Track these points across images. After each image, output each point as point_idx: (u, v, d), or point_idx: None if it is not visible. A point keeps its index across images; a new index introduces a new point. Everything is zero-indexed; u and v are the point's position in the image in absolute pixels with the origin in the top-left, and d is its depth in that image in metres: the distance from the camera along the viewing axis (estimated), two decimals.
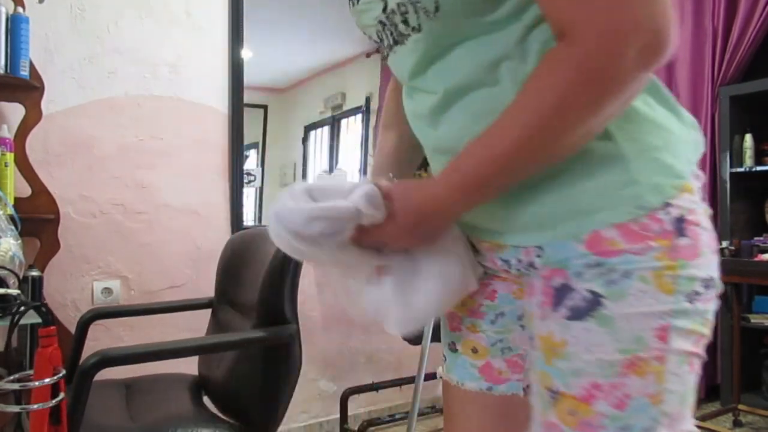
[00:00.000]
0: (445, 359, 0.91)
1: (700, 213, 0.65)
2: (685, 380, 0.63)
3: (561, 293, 0.65)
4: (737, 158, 2.89)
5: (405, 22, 0.68)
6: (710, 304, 0.65)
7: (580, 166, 0.64)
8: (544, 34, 0.62)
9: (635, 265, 0.62)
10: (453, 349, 0.88)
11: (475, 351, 0.83)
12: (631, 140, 0.64)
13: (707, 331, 0.65)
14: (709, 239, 0.65)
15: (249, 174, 2.48)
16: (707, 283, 0.64)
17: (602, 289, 0.62)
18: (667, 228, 0.62)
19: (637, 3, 0.55)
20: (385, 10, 0.69)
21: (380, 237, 0.70)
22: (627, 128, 0.64)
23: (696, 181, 0.66)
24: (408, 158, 0.93)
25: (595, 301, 0.63)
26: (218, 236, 2.33)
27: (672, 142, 0.66)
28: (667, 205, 0.63)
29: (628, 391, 0.61)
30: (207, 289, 1.99)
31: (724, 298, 2.82)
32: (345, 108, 2.84)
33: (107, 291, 2.12)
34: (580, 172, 0.64)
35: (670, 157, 0.64)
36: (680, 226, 0.63)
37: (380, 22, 0.71)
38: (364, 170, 2.90)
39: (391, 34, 0.72)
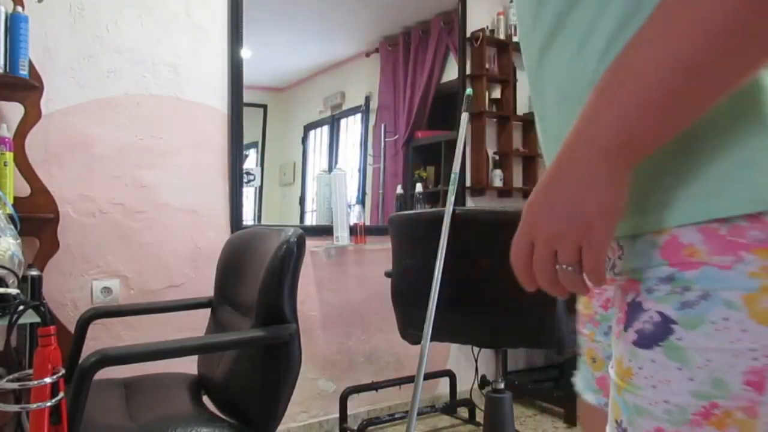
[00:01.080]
0: None
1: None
2: None
3: (632, 311, 0.52)
4: None
5: None
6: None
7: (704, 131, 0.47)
8: None
9: (720, 284, 0.47)
10: (578, 353, 0.74)
11: (594, 360, 0.71)
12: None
13: None
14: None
15: (248, 173, 2.48)
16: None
17: (675, 313, 0.48)
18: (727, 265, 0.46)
19: None
20: None
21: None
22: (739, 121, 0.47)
23: None
24: None
25: (665, 328, 0.49)
26: (218, 236, 2.33)
27: None
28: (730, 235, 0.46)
29: None
30: (206, 288, 1.99)
31: None
32: (344, 107, 2.84)
33: (106, 290, 2.12)
34: (694, 141, 0.48)
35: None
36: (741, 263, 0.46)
37: None
38: (363, 170, 2.90)
39: None
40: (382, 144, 2.94)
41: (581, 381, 0.73)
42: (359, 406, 2.71)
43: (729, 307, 0.46)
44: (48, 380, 0.95)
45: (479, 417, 2.73)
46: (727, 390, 0.46)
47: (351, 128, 2.89)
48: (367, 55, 2.89)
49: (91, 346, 1.49)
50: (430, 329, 1.79)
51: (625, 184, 0.47)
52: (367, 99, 2.92)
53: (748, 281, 0.45)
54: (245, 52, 2.42)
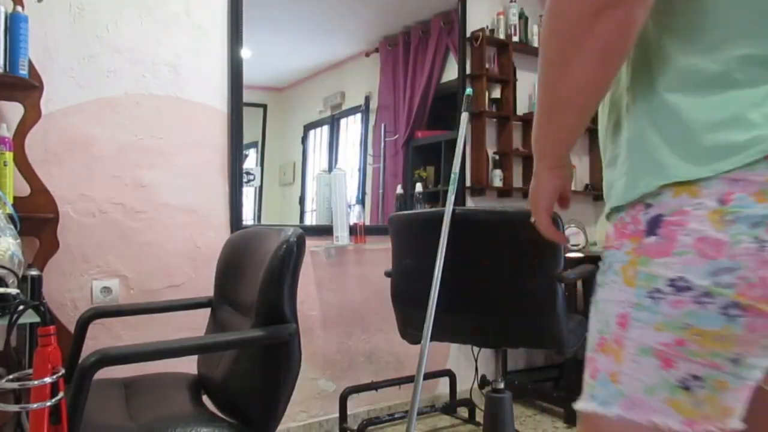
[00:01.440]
0: None
1: (694, 216, 0.61)
2: (648, 372, 0.65)
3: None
4: None
5: None
6: (683, 309, 0.62)
7: (612, 154, 0.76)
8: None
9: (614, 258, 0.70)
10: None
11: None
12: (634, 130, 0.69)
13: (689, 336, 0.62)
14: (694, 242, 0.61)
15: (248, 173, 2.48)
16: (675, 283, 0.62)
17: (599, 279, 0.73)
18: (641, 227, 0.66)
19: None
20: None
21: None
22: (634, 114, 0.70)
23: (721, 178, 0.61)
24: None
25: (595, 288, 0.74)
26: (217, 235, 2.33)
27: (684, 137, 0.63)
28: (648, 205, 0.66)
29: (598, 365, 0.70)
30: (206, 288, 1.99)
31: None
32: (344, 107, 2.84)
33: (106, 290, 2.12)
34: (610, 161, 0.76)
35: (667, 154, 0.64)
36: (654, 225, 0.65)
37: None
38: (363, 170, 2.90)
39: None
40: (382, 144, 2.94)
41: None
42: (359, 406, 2.71)
43: (615, 274, 0.69)
44: (48, 380, 0.95)
45: (479, 417, 2.73)
46: (609, 327, 0.69)
47: (351, 128, 2.89)
48: (367, 54, 2.89)
49: (90, 345, 1.49)
50: (430, 329, 1.79)
51: (543, 172, 0.85)
52: (367, 99, 2.92)
53: (624, 257, 0.68)
54: (245, 52, 2.42)
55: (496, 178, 3.16)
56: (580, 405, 0.72)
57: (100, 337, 2.07)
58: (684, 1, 0.66)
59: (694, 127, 0.63)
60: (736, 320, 0.61)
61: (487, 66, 3.12)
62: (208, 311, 1.81)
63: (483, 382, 3.08)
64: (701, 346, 0.62)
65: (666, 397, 0.65)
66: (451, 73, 3.11)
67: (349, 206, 2.66)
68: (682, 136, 0.64)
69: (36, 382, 0.94)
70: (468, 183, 3.13)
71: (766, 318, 0.60)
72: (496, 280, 1.73)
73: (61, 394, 0.97)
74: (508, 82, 3.20)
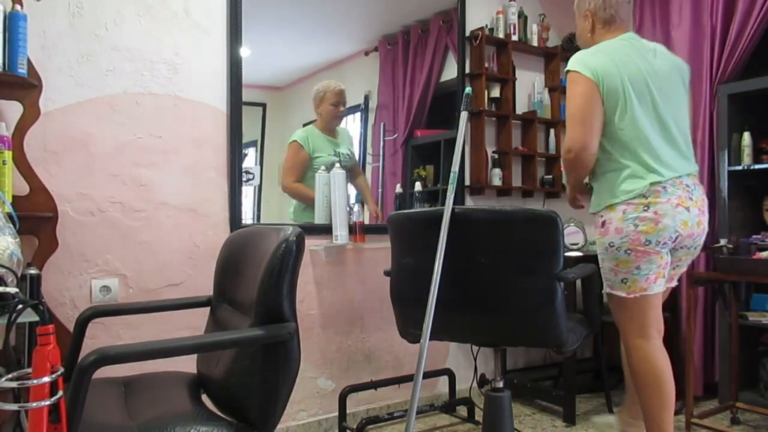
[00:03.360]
0: None
1: (614, 219, 1.98)
2: (610, 276, 2.02)
3: None
4: (735, 156, 2.89)
5: None
6: (613, 254, 1.98)
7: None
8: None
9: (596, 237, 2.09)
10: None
11: None
12: (598, 183, 2.10)
13: (617, 263, 1.98)
14: (613, 230, 1.97)
15: (248, 172, 2.48)
16: (610, 243, 1.98)
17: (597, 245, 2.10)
18: (598, 223, 2.04)
19: (569, 135, 1.99)
20: None
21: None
22: (599, 178, 2.09)
23: (623, 203, 1.98)
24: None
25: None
26: (217, 234, 2.33)
27: (612, 184, 2.02)
28: (599, 214, 2.05)
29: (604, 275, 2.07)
30: (205, 287, 1.99)
31: (722, 295, 2.83)
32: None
33: (105, 289, 2.12)
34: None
35: (607, 191, 2.04)
36: (602, 222, 2.03)
37: None
38: (362, 168, 2.90)
39: None
40: (381, 143, 2.94)
41: None
42: (358, 405, 2.71)
43: (599, 245, 2.05)
44: (47, 379, 0.95)
45: (478, 416, 2.73)
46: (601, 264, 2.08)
47: (350, 127, 2.89)
48: (366, 54, 2.89)
49: (90, 344, 1.49)
50: (429, 328, 1.79)
51: (573, 191, 2.28)
52: (366, 98, 2.92)
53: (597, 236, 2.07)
54: (244, 51, 2.42)
55: (496, 177, 3.16)
56: (605, 291, 2.07)
57: (99, 336, 2.07)
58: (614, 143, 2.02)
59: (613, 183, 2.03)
60: (629, 254, 1.94)
61: (486, 65, 3.12)
62: (207, 310, 1.81)
63: (482, 381, 3.08)
64: (623, 265, 1.96)
65: (618, 284, 2.00)
66: (450, 72, 3.12)
67: (349, 205, 2.66)
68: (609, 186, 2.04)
69: (35, 381, 0.94)
70: (467, 182, 3.13)
71: (639, 253, 1.92)
72: (496, 279, 1.73)
73: (60, 393, 0.97)
74: (507, 81, 3.20)
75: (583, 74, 1.96)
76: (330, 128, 2.80)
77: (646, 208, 1.91)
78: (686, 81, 2.13)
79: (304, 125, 2.75)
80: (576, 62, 2.00)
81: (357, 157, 2.90)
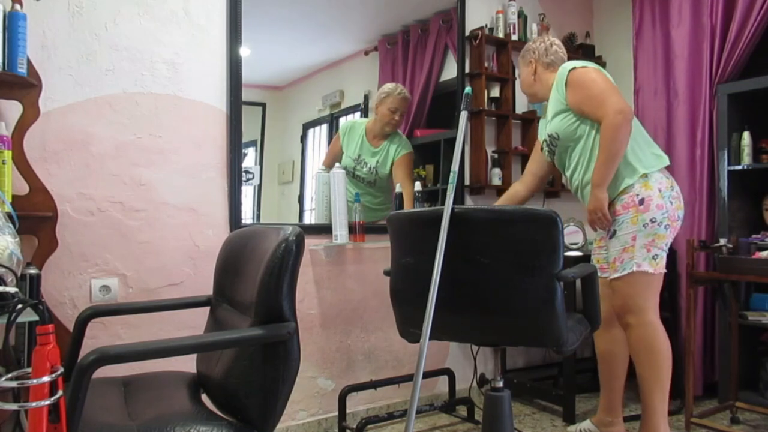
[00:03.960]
0: None
1: (653, 196, 2.16)
2: (642, 253, 2.17)
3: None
4: (735, 156, 2.89)
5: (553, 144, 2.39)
6: (651, 229, 2.16)
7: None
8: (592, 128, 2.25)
9: (618, 218, 2.22)
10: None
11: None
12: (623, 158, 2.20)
13: (653, 238, 2.17)
14: (655, 207, 2.16)
15: (247, 172, 2.48)
16: (652, 218, 2.16)
17: (615, 228, 2.23)
18: (634, 201, 2.19)
19: (613, 101, 2.11)
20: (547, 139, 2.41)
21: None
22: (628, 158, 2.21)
23: (656, 180, 2.20)
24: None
25: (613, 231, 2.24)
26: (216, 234, 2.34)
27: (641, 155, 2.23)
28: (631, 194, 2.20)
29: (624, 256, 2.20)
30: (205, 286, 1.99)
31: (721, 295, 2.83)
32: (343, 106, 2.84)
33: (105, 289, 2.12)
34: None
35: (637, 163, 2.21)
36: (640, 200, 2.18)
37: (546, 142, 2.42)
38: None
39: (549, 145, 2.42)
40: None
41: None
42: (358, 405, 2.71)
43: (619, 224, 2.21)
44: (46, 379, 0.95)
45: (478, 415, 2.73)
46: (626, 242, 2.20)
47: None
48: (366, 53, 2.89)
49: (89, 344, 1.49)
50: (429, 327, 1.79)
51: (603, 192, 2.18)
52: (366, 97, 2.92)
53: (623, 215, 2.21)
54: (244, 51, 2.42)
55: (495, 177, 3.16)
56: (622, 273, 2.19)
57: (98, 336, 2.07)
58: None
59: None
60: (668, 229, 2.17)
61: (486, 65, 3.12)
62: (207, 310, 1.81)
63: (482, 381, 3.08)
64: (659, 240, 2.17)
65: (649, 260, 2.17)
66: (450, 71, 3.12)
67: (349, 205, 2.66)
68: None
69: (35, 381, 0.94)
70: (467, 182, 3.13)
71: (673, 229, 2.19)
72: (495, 279, 1.73)
73: (59, 393, 0.97)
74: (507, 81, 3.21)
75: (592, 66, 2.25)
76: (378, 132, 2.81)
77: (672, 188, 2.20)
78: None
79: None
80: (577, 63, 2.28)
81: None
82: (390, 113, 2.79)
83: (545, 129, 2.40)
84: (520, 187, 2.59)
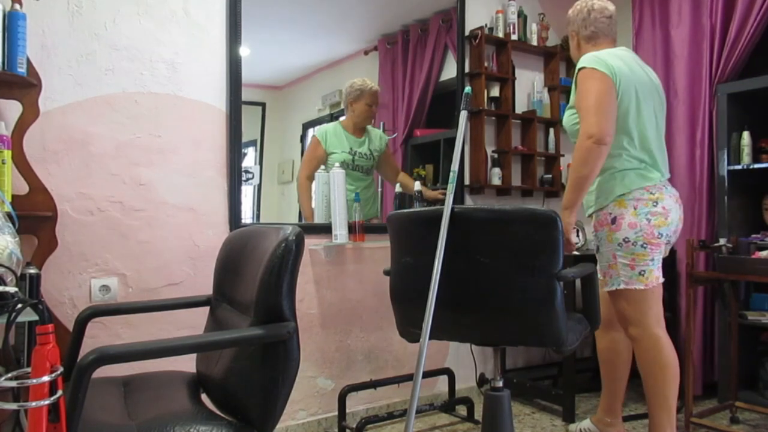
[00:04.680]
0: None
1: (626, 215, 2.12)
2: (627, 270, 2.13)
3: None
4: (735, 156, 2.89)
5: None
6: (630, 248, 2.12)
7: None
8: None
9: (601, 234, 2.21)
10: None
11: None
12: (602, 178, 2.21)
13: (634, 257, 2.12)
14: (627, 226, 2.12)
15: (247, 172, 2.48)
16: (625, 238, 2.12)
17: (597, 242, 2.23)
18: (607, 219, 2.18)
19: (590, 123, 2.05)
20: None
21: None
22: (604, 173, 2.19)
23: (633, 199, 2.14)
24: None
25: (597, 247, 2.24)
26: (216, 234, 2.33)
27: (621, 177, 2.17)
28: (605, 211, 2.18)
29: (612, 272, 2.17)
30: (205, 286, 1.99)
31: (721, 295, 2.83)
32: (343, 106, 2.84)
33: (105, 288, 2.12)
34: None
35: (617, 184, 2.17)
36: (612, 219, 2.16)
37: None
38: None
39: None
40: None
41: None
42: (358, 404, 2.71)
43: (600, 240, 2.21)
44: (46, 378, 0.95)
45: (478, 415, 2.73)
46: (609, 260, 2.19)
47: None
48: (366, 53, 2.89)
49: (89, 344, 1.49)
50: (429, 327, 1.79)
51: (570, 215, 2.15)
52: None
53: (600, 232, 2.21)
54: (244, 50, 2.42)
55: (495, 177, 3.16)
56: (611, 288, 2.18)
57: (98, 336, 2.07)
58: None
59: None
60: (645, 247, 2.10)
61: (486, 64, 3.12)
62: (206, 310, 1.81)
63: (482, 381, 3.08)
64: (640, 258, 2.11)
65: (636, 278, 2.12)
66: (450, 71, 3.11)
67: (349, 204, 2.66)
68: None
69: (34, 381, 0.94)
70: (467, 181, 3.13)
71: (654, 245, 2.10)
72: (495, 279, 1.73)
73: (59, 393, 0.97)
74: (507, 81, 3.20)
75: (600, 70, 2.09)
76: (358, 126, 2.83)
77: (655, 204, 2.10)
78: (665, 104, 2.32)
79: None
80: (591, 61, 2.12)
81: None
82: (368, 107, 2.83)
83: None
84: None
